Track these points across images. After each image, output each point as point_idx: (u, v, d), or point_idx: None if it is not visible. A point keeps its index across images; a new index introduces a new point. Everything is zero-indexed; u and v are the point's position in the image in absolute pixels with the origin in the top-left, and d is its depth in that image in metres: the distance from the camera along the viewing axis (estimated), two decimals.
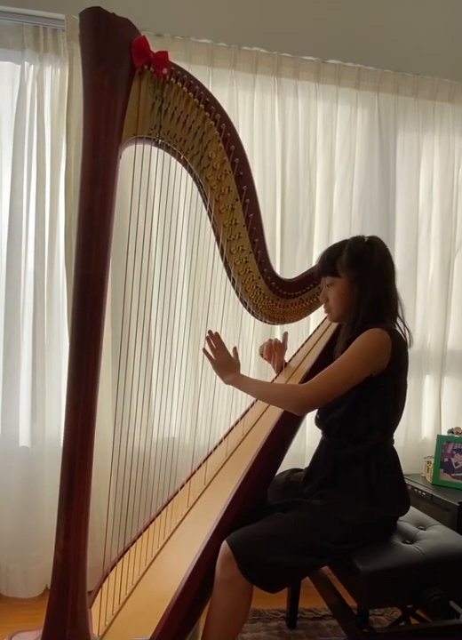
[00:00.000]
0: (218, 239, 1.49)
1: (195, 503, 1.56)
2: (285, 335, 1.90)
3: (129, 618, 1.26)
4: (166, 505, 1.63)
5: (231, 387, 1.58)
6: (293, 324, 1.88)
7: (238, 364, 1.60)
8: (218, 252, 1.51)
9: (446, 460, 2.22)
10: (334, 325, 1.79)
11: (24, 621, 1.90)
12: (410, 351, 1.51)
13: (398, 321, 1.51)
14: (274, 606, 1.99)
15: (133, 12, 1.30)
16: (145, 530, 1.56)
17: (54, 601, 1.11)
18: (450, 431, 2.31)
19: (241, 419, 1.84)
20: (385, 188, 2.42)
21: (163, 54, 1.16)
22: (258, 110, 2.26)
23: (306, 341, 1.96)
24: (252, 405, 1.85)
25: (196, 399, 2.16)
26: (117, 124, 1.11)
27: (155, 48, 1.15)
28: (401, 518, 1.53)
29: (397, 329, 1.48)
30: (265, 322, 1.74)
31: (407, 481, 1.59)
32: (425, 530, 1.53)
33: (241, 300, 1.64)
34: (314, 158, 2.33)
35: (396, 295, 1.51)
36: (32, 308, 2.07)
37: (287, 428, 1.62)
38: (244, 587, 1.31)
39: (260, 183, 2.18)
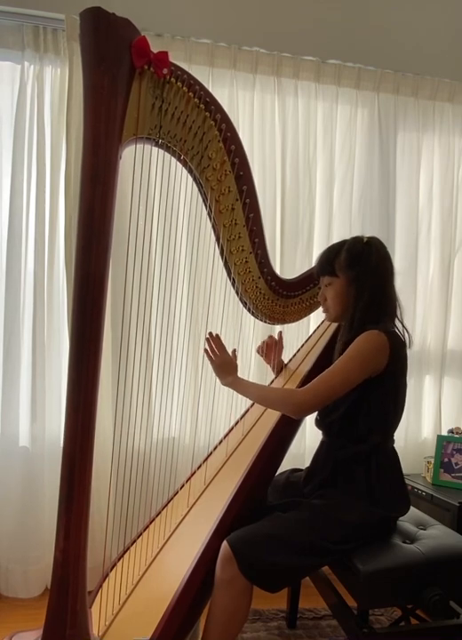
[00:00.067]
0: (218, 239, 1.49)
1: (194, 503, 1.56)
2: (280, 334, 1.90)
3: (129, 618, 1.26)
4: (166, 505, 1.63)
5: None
6: (293, 324, 1.88)
7: (237, 367, 1.61)
8: (218, 252, 1.51)
9: (446, 460, 2.22)
10: (334, 326, 1.79)
11: (24, 621, 1.90)
12: (409, 351, 1.51)
13: (396, 322, 1.51)
14: (274, 606, 1.99)
15: (133, 12, 1.30)
16: (145, 530, 1.56)
17: (54, 601, 1.11)
18: (450, 431, 2.32)
19: (241, 419, 1.84)
20: (385, 188, 2.42)
21: (164, 54, 1.16)
22: (258, 110, 2.26)
23: (306, 342, 1.96)
24: (252, 406, 1.85)
25: (196, 399, 2.16)
26: (117, 124, 1.11)
27: (155, 48, 1.15)
28: (401, 518, 1.53)
29: (395, 330, 1.48)
30: (265, 322, 1.75)
31: (407, 481, 1.59)
32: (425, 530, 1.53)
33: (241, 300, 1.64)
34: (314, 158, 2.33)
35: (395, 296, 1.51)
36: (32, 308, 2.07)
37: (287, 429, 1.62)
38: (244, 587, 1.31)
39: (260, 183, 2.18)
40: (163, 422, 2.07)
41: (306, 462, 1.93)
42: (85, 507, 1.11)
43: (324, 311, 1.62)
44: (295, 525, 1.38)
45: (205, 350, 1.61)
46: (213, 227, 1.46)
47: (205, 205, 1.43)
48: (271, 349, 1.87)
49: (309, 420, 1.88)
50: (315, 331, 1.98)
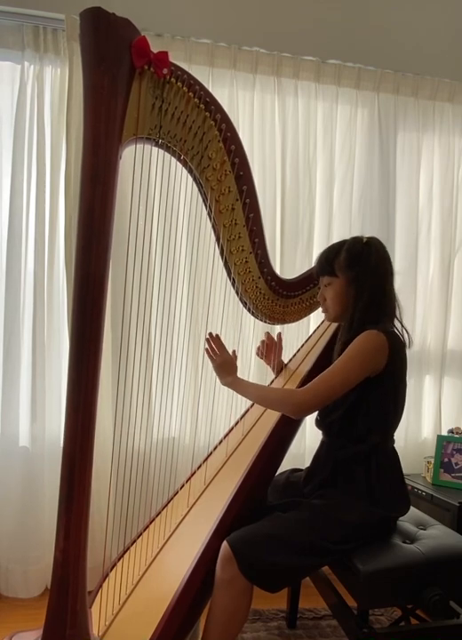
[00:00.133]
0: (218, 239, 1.48)
1: (194, 503, 1.56)
2: (279, 335, 1.90)
3: (129, 618, 1.26)
4: (166, 505, 1.63)
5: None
6: (293, 324, 1.88)
7: (237, 367, 1.61)
8: (218, 252, 1.51)
9: (446, 459, 2.22)
10: (333, 326, 1.79)
11: (24, 621, 1.90)
12: (409, 351, 1.51)
13: (395, 322, 1.51)
14: (274, 606, 1.99)
15: (133, 12, 1.30)
16: (145, 530, 1.56)
17: (54, 601, 1.11)
18: (450, 431, 2.32)
19: (241, 419, 1.84)
20: (385, 188, 2.42)
21: (164, 54, 1.16)
22: (258, 110, 2.26)
23: (306, 342, 1.96)
24: (252, 406, 1.85)
25: (196, 400, 2.16)
26: (117, 124, 1.11)
27: (155, 48, 1.15)
28: (401, 518, 1.53)
29: (394, 330, 1.48)
30: (265, 322, 1.75)
31: (407, 481, 1.59)
32: (425, 530, 1.53)
33: (241, 300, 1.64)
34: (314, 158, 2.33)
35: (394, 296, 1.51)
36: (32, 308, 2.07)
37: (287, 429, 1.62)
38: (244, 587, 1.31)
39: (260, 183, 2.18)
40: (163, 422, 2.07)
41: (306, 462, 1.93)
42: (85, 507, 1.11)
43: (324, 311, 1.62)
44: (295, 525, 1.38)
45: (206, 350, 1.62)
46: (213, 227, 1.46)
47: (205, 205, 1.43)
48: (270, 350, 1.87)
49: (309, 420, 1.88)
50: (315, 331, 1.98)
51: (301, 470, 1.72)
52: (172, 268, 1.74)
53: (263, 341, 1.88)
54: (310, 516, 1.40)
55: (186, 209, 1.58)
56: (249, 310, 1.67)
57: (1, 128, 2.08)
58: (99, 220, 1.09)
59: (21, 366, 2.08)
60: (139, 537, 1.54)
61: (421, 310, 2.49)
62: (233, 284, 1.58)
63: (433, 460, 2.24)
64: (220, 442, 1.80)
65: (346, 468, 1.48)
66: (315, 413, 1.60)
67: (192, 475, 1.72)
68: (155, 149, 1.27)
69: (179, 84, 1.22)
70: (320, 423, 1.59)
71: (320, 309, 1.67)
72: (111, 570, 1.41)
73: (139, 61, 1.12)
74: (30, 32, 2.04)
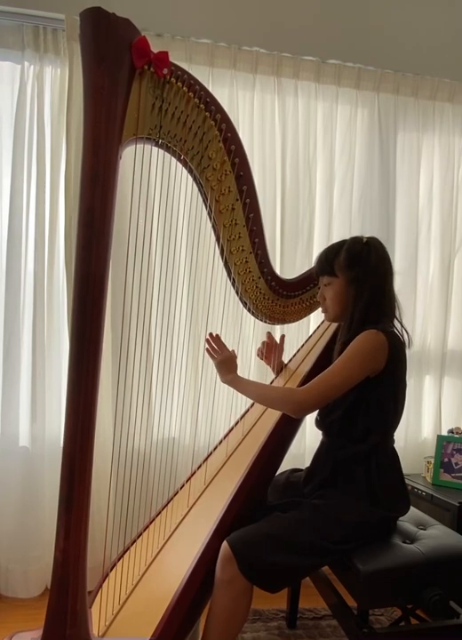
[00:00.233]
0: (218, 239, 1.48)
1: (194, 503, 1.56)
2: (282, 338, 1.90)
3: (129, 618, 1.26)
4: (166, 505, 1.63)
5: (230, 387, 1.59)
6: (293, 325, 1.88)
7: (237, 366, 1.62)
8: (218, 252, 1.51)
9: (446, 460, 2.22)
10: (334, 326, 1.79)
11: (24, 621, 1.90)
12: (409, 351, 1.51)
13: (395, 322, 1.51)
14: (274, 606, 1.99)
15: (133, 12, 1.30)
16: (145, 530, 1.56)
17: (54, 601, 1.11)
18: (450, 431, 2.32)
19: (241, 419, 1.84)
20: (385, 188, 2.42)
21: (164, 54, 1.16)
22: (258, 110, 2.26)
23: (306, 342, 1.96)
24: (252, 406, 1.85)
25: (196, 400, 2.16)
26: (117, 124, 1.11)
27: (155, 48, 1.15)
28: (401, 518, 1.53)
29: (394, 330, 1.48)
30: (265, 322, 1.75)
31: (407, 481, 1.59)
32: (425, 530, 1.53)
33: (241, 300, 1.64)
34: (314, 158, 2.33)
35: (393, 296, 1.51)
36: (32, 308, 2.07)
37: (287, 428, 1.62)
38: (244, 587, 1.31)
39: (260, 183, 2.18)
40: (163, 422, 2.07)
41: (306, 462, 1.93)
42: (85, 507, 1.11)
43: (323, 311, 1.62)
44: (295, 525, 1.38)
45: (206, 349, 1.63)
46: (213, 227, 1.46)
47: (205, 205, 1.43)
48: (271, 351, 1.87)
49: (309, 420, 1.88)
50: (315, 331, 1.98)
51: (301, 470, 1.72)
52: (172, 268, 1.74)
53: (264, 342, 1.88)
54: (310, 516, 1.40)
55: (186, 209, 1.58)
56: (249, 310, 1.67)
57: (1, 128, 2.08)
58: (99, 220, 1.08)
59: (21, 366, 2.08)
60: (139, 537, 1.54)
61: (421, 310, 2.49)
62: (233, 284, 1.58)
63: (433, 460, 2.24)
64: (220, 442, 1.80)
65: (346, 468, 1.48)
66: (315, 413, 1.60)
67: (192, 475, 1.72)
68: (155, 149, 1.27)
69: (179, 83, 1.22)
70: (320, 423, 1.59)
71: (320, 309, 1.67)
72: (111, 570, 1.41)
73: (140, 61, 1.12)
74: (30, 32, 2.04)
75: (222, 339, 1.65)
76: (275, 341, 1.88)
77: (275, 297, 1.66)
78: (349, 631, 1.43)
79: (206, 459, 1.77)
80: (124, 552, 1.49)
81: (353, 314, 1.47)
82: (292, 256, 2.31)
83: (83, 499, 1.10)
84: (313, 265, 1.64)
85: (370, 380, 1.42)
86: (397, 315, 1.52)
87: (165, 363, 1.85)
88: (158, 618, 1.21)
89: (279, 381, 1.84)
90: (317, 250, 2.23)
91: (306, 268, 1.77)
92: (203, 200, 1.43)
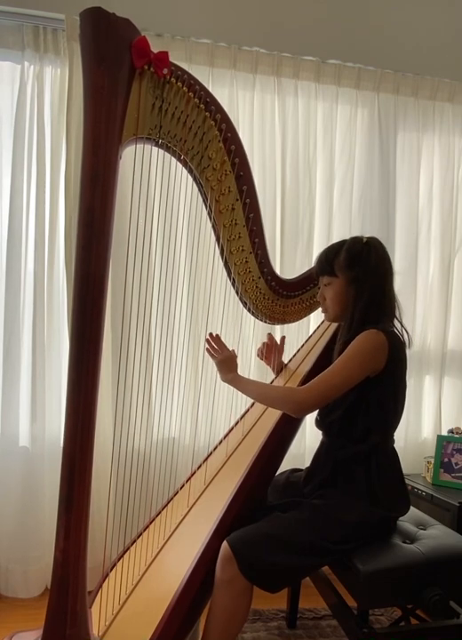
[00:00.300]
0: (218, 239, 1.48)
1: (194, 503, 1.56)
2: (282, 338, 1.90)
3: (129, 618, 1.26)
4: (166, 505, 1.63)
5: (231, 387, 1.59)
6: (293, 325, 1.88)
7: (238, 365, 1.62)
8: (218, 252, 1.51)
9: (446, 459, 2.22)
10: (334, 326, 1.79)
11: (24, 621, 1.90)
12: (409, 351, 1.51)
13: (395, 322, 1.51)
14: (274, 606, 1.99)
15: (133, 12, 1.30)
16: (145, 530, 1.56)
17: (54, 601, 1.11)
18: (450, 431, 2.32)
19: (241, 419, 1.84)
20: (385, 188, 2.42)
21: (164, 54, 1.16)
22: (258, 110, 2.26)
23: (306, 342, 1.96)
24: (252, 405, 1.86)
25: (196, 400, 2.16)
26: (117, 124, 1.11)
27: (155, 48, 1.15)
28: (401, 518, 1.53)
29: (394, 330, 1.48)
30: (265, 322, 1.75)
31: (407, 481, 1.59)
32: (425, 530, 1.53)
33: (241, 300, 1.64)
34: (314, 158, 2.33)
35: (393, 296, 1.51)
36: (32, 308, 2.07)
37: (287, 428, 1.62)
38: (244, 587, 1.31)
39: (260, 183, 2.18)
40: (163, 422, 2.07)
41: (306, 462, 1.93)
42: (85, 507, 1.11)
43: (323, 311, 1.62)
44: (295, 525, 1.38)
45: (207, 349, 1.63)
46: (213, 227, 1.46)
47: (205, 205, 1.43)
48: (271, 351, 1.87)
49: (309, 420, 1.88)
50: (315, 331, 1.98)
51: (301, 470, 1.72)
52: (172, 267, 1.74)
53: (264, 343, 1.88)
54: (310, 516, 1.40)
55: (186, 209, 1.58)
56: (249, 310, 1.67)
57: (1, 128, 2.08)
58: (99, 220, 1.09)
59: (21, 366, 2.08)
60: (139, 537, 1.54)
61: (421, 310, 2.49)
62: (233, 284, 1.58)
63: (433, 460, 2.24)
64: (220, 442, 1.80)
65: (346, 468, 1.48)
66: (315, 413, 1.60)
67: (192, 475, 1.72)
68: (155, 149, 1.27)
69: (179, 83, 1.22)
70: (320, 423, 1.59)
71: (320, 309, 1.67)
72: (111, 570, 1.41)
73: (139, 61, 1.12)
74: (30, 32, 2.04)
75: (222, 339, 1.65)
76: (276, 342, 1.88)
77: (275, 297, 1.66)
78: (349, 631, 1.43)
79: (206, 459, 1.77)
80: (124, 552, 1.49)
81: (353, 314, 1.47)
82: (292, 256, 2.31)
83: (83, 499, 1.11)
84: (313, 265, 1.64)
85: (371, 380, 1.42)
86: (397, 314, 1.52)
87: (165, 363, 1.85)
88: (158, 618, 1.21)
89: (279, 381, 1.84)
90: (317, 250, 2.23)
91: (306, 268, 1.77)
92: (203, 200, 1.43)
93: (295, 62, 2.26)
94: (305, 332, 2.21)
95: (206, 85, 1.36)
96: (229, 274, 1.56)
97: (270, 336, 1.89)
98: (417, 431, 2.51)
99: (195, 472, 1.73)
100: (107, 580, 1.38)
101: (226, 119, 1.35)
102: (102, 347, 1.11)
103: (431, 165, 2.50)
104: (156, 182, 1.30)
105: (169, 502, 1.64)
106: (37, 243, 2.07)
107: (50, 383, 2.11)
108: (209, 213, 1.43)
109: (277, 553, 1.31)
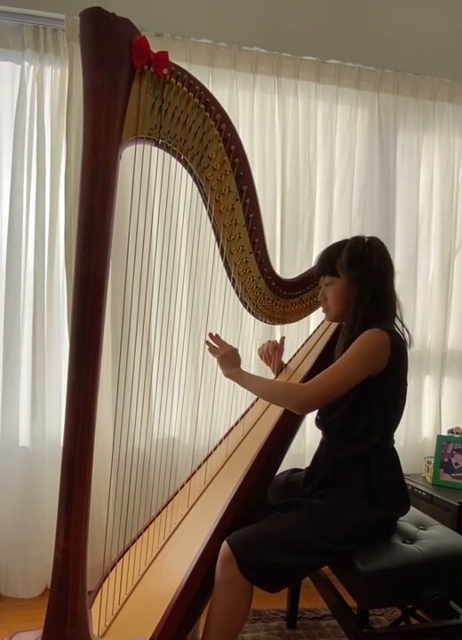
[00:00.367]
0: (218, 239, 1.48)
1: (194, 503, 1.56)
2: (282, 339, 1.90)
3: (129, 618, 1.26)
4: (166, 505, 1.63)
5: (231, 386, 1.59)
6: (293, 325, 1.88)
7: (240, 360, 1.60)
8: (218, 252, 1.51)
9: (446, 460, 2.22)
10: (334, 326, 1.79)
11: (24, 621, 1.90)
12: (409, 351, 1.51)
13: (396, 321, 1.51)
14: (274, 606, 1.99)
15: (133, 12, 1.30)
16: (145, 530, 1.56)
17: (54, 601, 1.11)
18: (450, 431, 2.32)
19: (241, 419, 1.84)
20: (385, 188, 2.42)
21: (164, 54, 1.16)
22: (258, 110, 2.26)
23: (306, 342, 1.96)
24: (252, 405, 1.86)
25: (196, 399, 2.16)
26: (117, 124, 1.11)
27: (155, 48, 1.15)
28: (401, 518, 1.53)
29: (396, 329, 1.48)
30: (265, 322, 1.75)
31: (407, 481, 1.59)
32: (425, 530, 1.53)
33: (241, 300, 1.64)
34: (314, 158, 2.33)
35: (394, 296, 1.51)
36: (32, 308, 2.07)
37: (287, 428, 1.62)
38: (244, 587, 1.31)
39: (260, 183, 2.18)
40: (163, 422, 2.07)
41: (306, 462, 1.93)
42: (85, 507, 1.11)
43: (324, 311, 1.62)
44: (295, 525, 1.38)
45: (207, 343, 1.63)
46: (213, 227, 1.46)
47: (205, 205, 1.43)
48: (271, 353, 1.87)
49: (309, 420, 1.88)
50: (315, 331, 1.97)
51: (301, 470, 1.72)
52: (172, 267, 1.74)
53: (269, 341, 1.88)
54: (310, 516, 1.40)
55: (186, 209, 1.58)
56: (249, 310, 1.67)
57: (1, 128, 2.08)
58: (99, 220, 1.09)
59: (21, 366, 2.08)
60: (139, 537, 1.54)
61: (421, 310, 2.49)
62: (233, 284, 1.58)
63: (433, 460, 2.24)
64: (220, 442, 1.80)
65: (346, 468, 1.48)
66: (315, 413, 1.60)
67: (192, 475, 1.72)
68: (155, 149, 1.27)
69: (179, 83, 1.22)
70: (320, 423, 1.59)
71: (320, 309, 1.67)
72: (111, 570, 1.41)
73: (139, 61, 1.12)
74: (30, 32, 2.04)
75: (222, 338, 1.65)
76: (277, 343, 1.88)
77: (275, 297, 1.66)
78: (349, 631, 1.43)
79: (206, 459, 1.77)
80: (124, 552, 1.50)
81: (355, 313, 1.47)
82: (292, 256, 2.31)
83: (83, 499, 1.11)
84: (313, 265, 1.64)
85: (372, 380, 1.41)
86: (398, 314, 1.52)
87: (165, 362, 1.85)
88: (158, 618, 1.21)
89: (279, 380, 1.84)
90: (317, 250, 2.24)
91: (306, 268, 1.77)
92: (203, 200, 1.43)
93: (295, 62, 2.26)
94: (305, 331, 2.21)
95: (206, 85, 1.36)
96: (229, 274, 1.56)
97: (273, 341, 1.89)
98: (417, 431, 2.51)
99: (195, 472, 1.73)
100: (107, 580, 1.38)
101: (226, 119, 1.35)
102: (102, 347, 1.11)
103: (431, 165, 2.50)
104: (156, 182, 1.30)
105: (169, 502, 1.64)
106: (37, 243, 2.07)
107: (50, 383, 2.11)
108: (209, 213, 1.43)
109: (277, 553, 1.31)
